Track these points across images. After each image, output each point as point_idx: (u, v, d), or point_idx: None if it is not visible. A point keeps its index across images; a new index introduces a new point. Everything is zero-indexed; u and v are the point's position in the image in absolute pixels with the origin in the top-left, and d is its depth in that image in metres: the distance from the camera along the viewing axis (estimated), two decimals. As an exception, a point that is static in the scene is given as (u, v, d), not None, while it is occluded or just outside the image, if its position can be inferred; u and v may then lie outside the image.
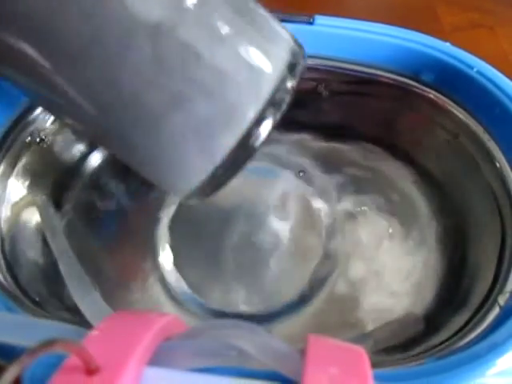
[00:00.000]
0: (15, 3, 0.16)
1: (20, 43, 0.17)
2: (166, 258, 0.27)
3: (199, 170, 0.20)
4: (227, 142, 0.19)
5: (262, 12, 0.20)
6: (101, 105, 0.19)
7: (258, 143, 0.19)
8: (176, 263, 0.27)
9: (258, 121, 0.19)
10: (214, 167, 0.19)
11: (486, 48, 0.44)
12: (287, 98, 0.19)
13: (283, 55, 0.19)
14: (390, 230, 0.28)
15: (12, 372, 0.09)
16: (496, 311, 0.20)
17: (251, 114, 0.19)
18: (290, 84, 0.19)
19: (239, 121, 0.19)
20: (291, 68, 0.19)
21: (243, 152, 0.19)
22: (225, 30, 0.18)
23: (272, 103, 0.19)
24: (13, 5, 0.16)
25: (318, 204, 0.29)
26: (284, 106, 0.19)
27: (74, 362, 0.13)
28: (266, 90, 0.19)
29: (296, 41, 0.20)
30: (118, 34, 0.17)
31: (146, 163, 0.21)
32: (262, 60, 0.19)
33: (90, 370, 0.13)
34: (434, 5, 0.48)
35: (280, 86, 0.19)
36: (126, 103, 0.18)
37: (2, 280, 0.21)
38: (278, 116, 0.19)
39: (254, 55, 0.18)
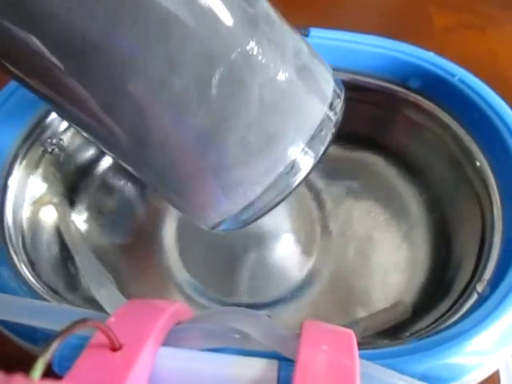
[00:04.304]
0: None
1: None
2: (173, 252, 0.29)
3: (227, 208, 0.20)
4: (265, 179, 0.19)
5: (309, 51, 0.20)
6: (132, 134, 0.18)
7: (298, 180, 0.19)
8: (183, 257, 0.29)
9: (300, 157, 0.19)
10: (245, 205, 0.19)
11: (476, 49, 0.45)
12: (330, 135, 0.20)
13: (328, 94, 0.20)
14: (382, 226, 0.29)
15: (56, 343, 0.11)
16: (474, 298, 0.21)
17: (296, 151, 0.19)
18: (333, 120, 0.20)
19: (282, 157, 0.19)
20: (333, 105, 0.20)
21: (281, 189, 0.19)
22: (287, 72, 0.18)
23: (316, 139, 0.19)
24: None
25: (313, 201, 0.30)
26: (326, 144, 0.20)
27: (98, 340, 0.15)
28: (311, 127, 0.19)
29: (336, 79, 0.21)
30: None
31: (172, 194, 0.21)
32: (310, 98, 0.19)
33: (114, 347, 0.15)
34: (425, 6, 0.49)
35: (324, 123, 0.19)
36: (162, 139, 0.18)
37: (25, 275, 0.22)
38: (321, 153, 0.19)
39: (304, 94, 0.19)
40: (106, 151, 0.21)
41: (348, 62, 0.25)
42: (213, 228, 0.21)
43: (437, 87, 0.26)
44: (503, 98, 0.25)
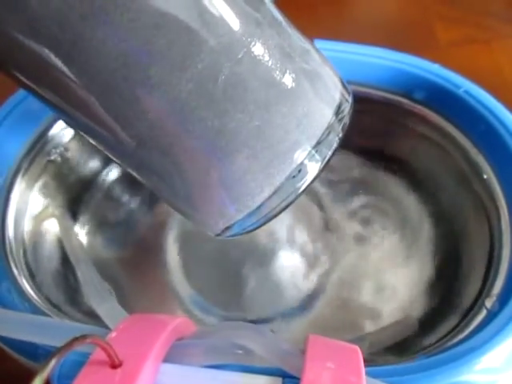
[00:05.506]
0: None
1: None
2: (175, 266, 0.29)
3: (233, 213, 0.19)
4: (272, 183, 0.18)
5: (316, 54, 0.20)
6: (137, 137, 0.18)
7: (304, 185, 0.19)
8: (185, 272, 0.28)
9: (307, 162, 0.19)
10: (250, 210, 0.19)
11: (481, 62, 0.45)
12: (337, 140, 0.19)
13: (335, 97, 0.19)
14: (388, 240, 0.29)
15: (54, 360, 0.11)
16: (483, 314, 0.21)
17: (303, 154, 0.18)
18: (340, 124, 0.19)
19: (289, 160, 0.18)
20: (341, 108, 0.20)
21: (287, 194, 0.19)
22: (293, 74, 0.18)
23: (323, 143, 0.19)
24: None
25: (319, 212, 0.30)
26: (333, 148, 0.19)
27: (98, 357, 0.15)
28: (318, 130, 0.19)
29: (342, 81, 0.21)
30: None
31: (177, 200, 0.21)
32: (318, 101, 0.19)
33: (114, 364, 0.14)
34: (430, 20, 0.49)
35: (331, 127, 0.19)
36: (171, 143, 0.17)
37: (26, 288, 0.22)
38: (327, 158, 0.19)
39: (311, 96, 0.18)
40: (115, 158, 0.20)
41: (352, 74, 0.25)
42: (219, 235, 0.21)
43: (442, 99, 0.26)
44: (509, 110, 0.25)
